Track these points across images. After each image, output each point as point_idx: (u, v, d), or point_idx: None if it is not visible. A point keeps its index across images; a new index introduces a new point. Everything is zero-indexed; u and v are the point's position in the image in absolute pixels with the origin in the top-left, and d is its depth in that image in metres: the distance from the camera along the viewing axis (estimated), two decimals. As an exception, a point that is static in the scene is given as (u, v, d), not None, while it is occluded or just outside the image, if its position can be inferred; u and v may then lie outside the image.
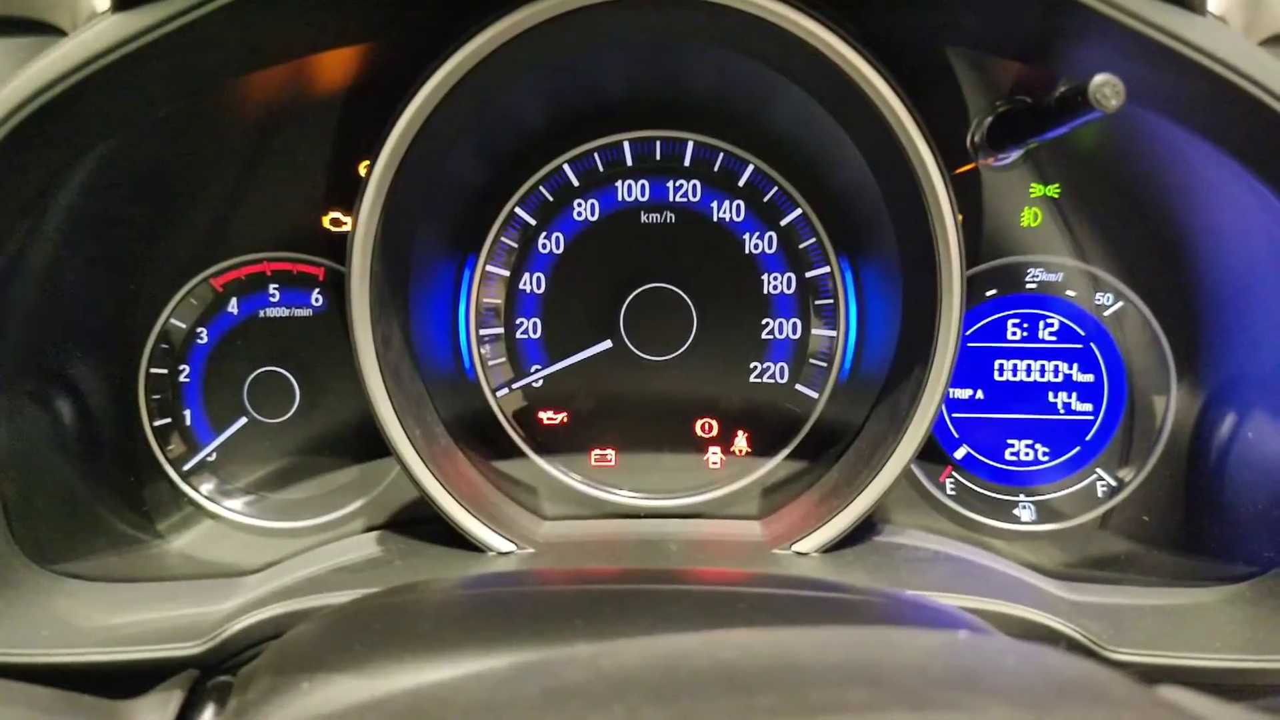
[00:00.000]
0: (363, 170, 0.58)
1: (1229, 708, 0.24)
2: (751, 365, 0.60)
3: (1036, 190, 0.59)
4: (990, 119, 0.50)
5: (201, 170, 0.55)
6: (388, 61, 0.53)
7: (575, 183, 0.59)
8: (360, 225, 0.49)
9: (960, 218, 0.57)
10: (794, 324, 0.60)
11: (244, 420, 0.59)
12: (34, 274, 0.48)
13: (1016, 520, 0.62)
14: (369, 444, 0.60)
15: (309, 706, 0.31)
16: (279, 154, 0.56)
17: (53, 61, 0.39)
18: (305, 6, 0.42)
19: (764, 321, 0.60)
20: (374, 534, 0.56)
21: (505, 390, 0.60)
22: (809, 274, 0.60)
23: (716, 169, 0.59)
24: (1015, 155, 0.52)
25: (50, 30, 0.46)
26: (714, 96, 0.57)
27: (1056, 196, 0.59)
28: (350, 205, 0.58)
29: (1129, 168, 0.55)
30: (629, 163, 0.59)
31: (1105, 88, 0.37)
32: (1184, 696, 0.25)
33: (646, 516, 0.60)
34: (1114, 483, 0.61)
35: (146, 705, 0.35)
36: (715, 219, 0.60)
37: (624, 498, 0.60)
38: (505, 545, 0.51)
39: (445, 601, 0.38)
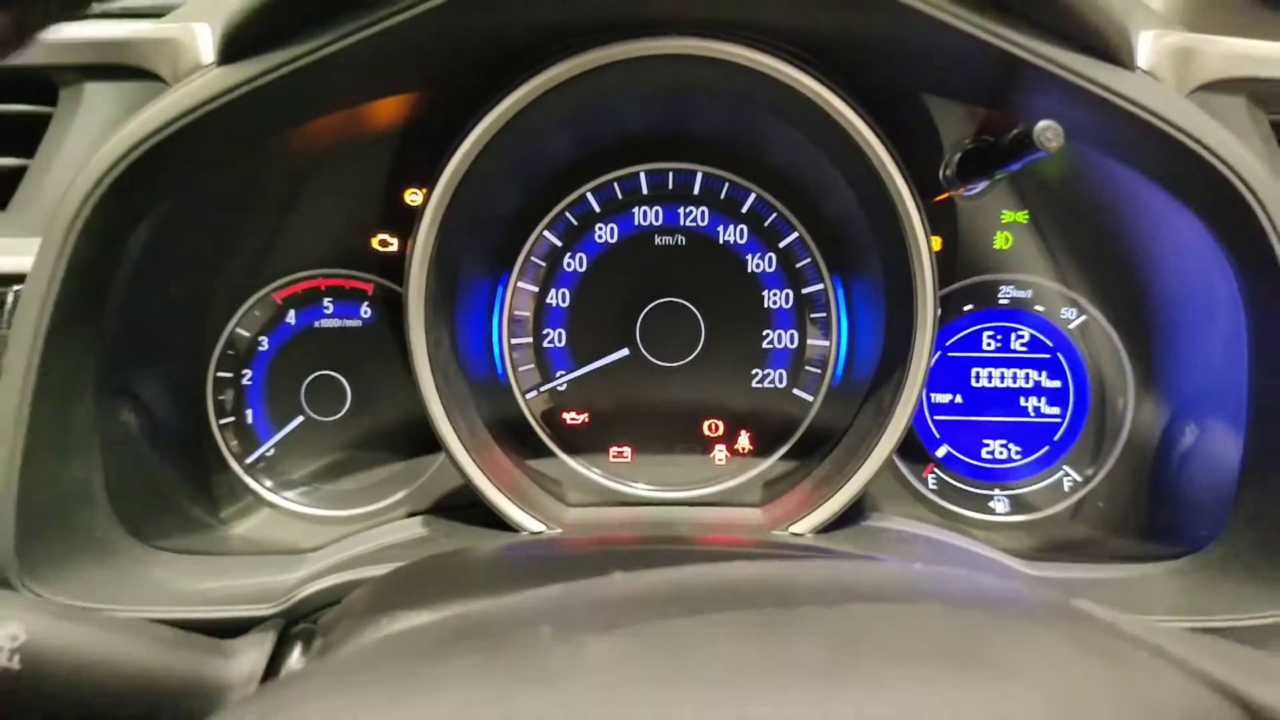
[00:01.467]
0: (408, 198, 0.65)
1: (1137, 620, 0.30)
2: (753, 371, 0.67)
3: (1008, 216, 0.66)
4: (959, 155, 0.57)
5: (265, 199, 0.62)
6: (432, 104, 0.61)
7: (597, 209, 0.66)
8: (418, 248, 0.56)
9: (939, 241, 0.64)
10: (791, 335, 0.67)
11: (301, 419, 0.66)
12: (123, 291, 0.55)
13: (992, 512, 0.68)
14: (412, 441, 0.67)
15: (385, 636, 0.38)
16: (334, 183, 0.63)
17: (163, 108, 0.46)
18: (376, 67, 0.49)
19: (764, 333, 0.67)
20: (418, 518, 0.63)
21: (534, 393, 0.67)
22: (805, 290, 0.67)
23: (722, 197, 0.66)
24: (981, 186, 0.59)
25: (150, 77, 0.53)
26: (720, 134, 0.64)
27: (1025, 222, 0.66)
28: (395, 229, 0.66)
29: (1089, 197, 0.62)
30: (644, 191, 0.66)
31: (1047, 132, 0.44)
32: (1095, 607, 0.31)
33: (659, 505, 0.67)
34: (1079, 478, 0.67)
35: (246, 644, 0.41)
36: (721, 241, 0.67)
37: (639, 490, 0.67)
38: (537, 525, 0.58)
39: (494, 557, 0.44)
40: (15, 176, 0.52)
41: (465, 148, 0.55)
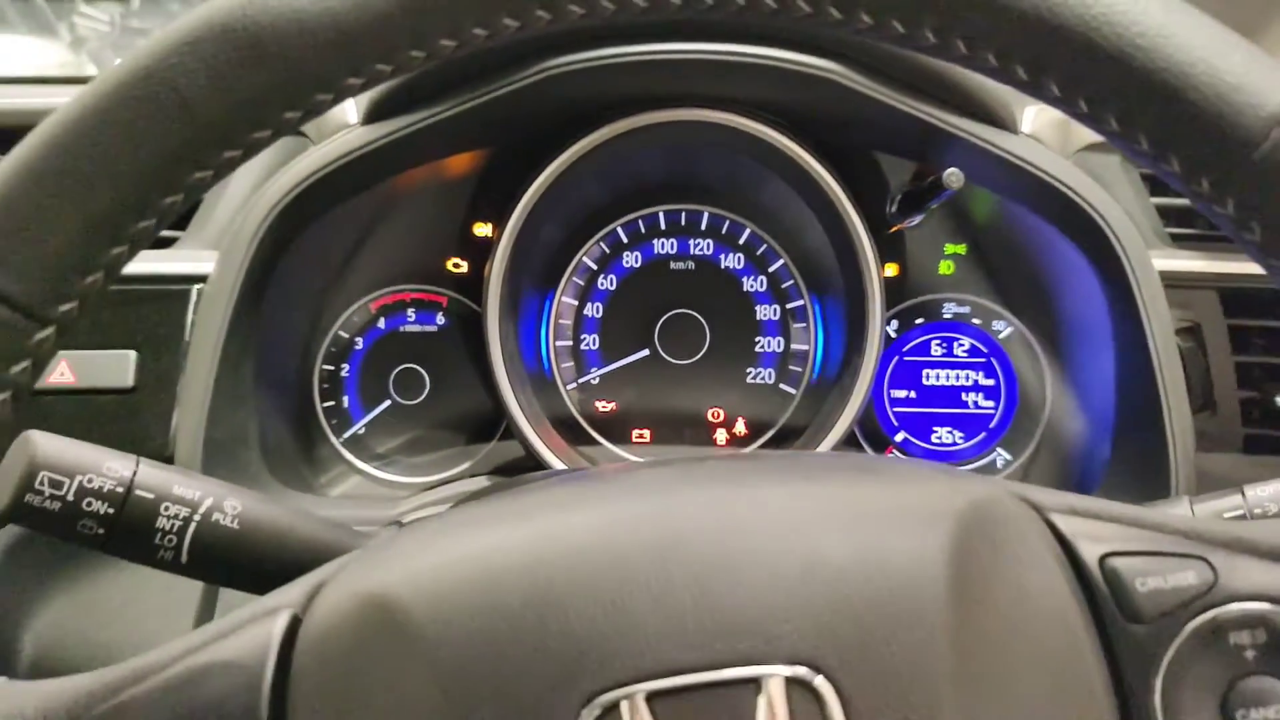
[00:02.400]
0: (477, 230, 0.82)
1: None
2: (747, 370, 0.84)
3: (949, 249, 0.83)
4: (900, 196, 0.75)
5: (368, 229, 0.80)
6: (494, 158, 0.78)
7: (625, 240, 0.83)
8: (494, 272, 0.73)
9: (896, 268, 0.81)
10: (778, 340, 0.84)
11: (389, 402, 0.83)
12: (269, 296, 0.73)
13: (940, 487, 0.84)
14: (479, 423, 0.83)
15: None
16: (419, 217, 0.80)
17: (323, 154, 0.64)
18: (470, 127, 0.67)
19: (756, 339, 0.84)
20: (483, 477, 0.79)
21: (573, 384, 0.84)
22: (789, 305, 0.83)
23: (723, 231, 0.83)
24: (919, 219, 0.75)
25: (299, 134, 0.71)
26: (722, 182, 0.81)
27: (964, 253, 0.82)
28: (465, 255, 0.83)
29: (1009, 233, 0.78)
30: (662, 227, 0.83)
31: (951, 177, 0.62)
32: None
33: None
34: (1009, 458, 0.83)
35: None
36: (722, 266, 0.84)
37: (657, 463, 0.84)
38: (579, 481, 0.75)
39: (545, 480, 0.60)
40: (192, 209, 0.70)
41: (529, 195, 0.73)
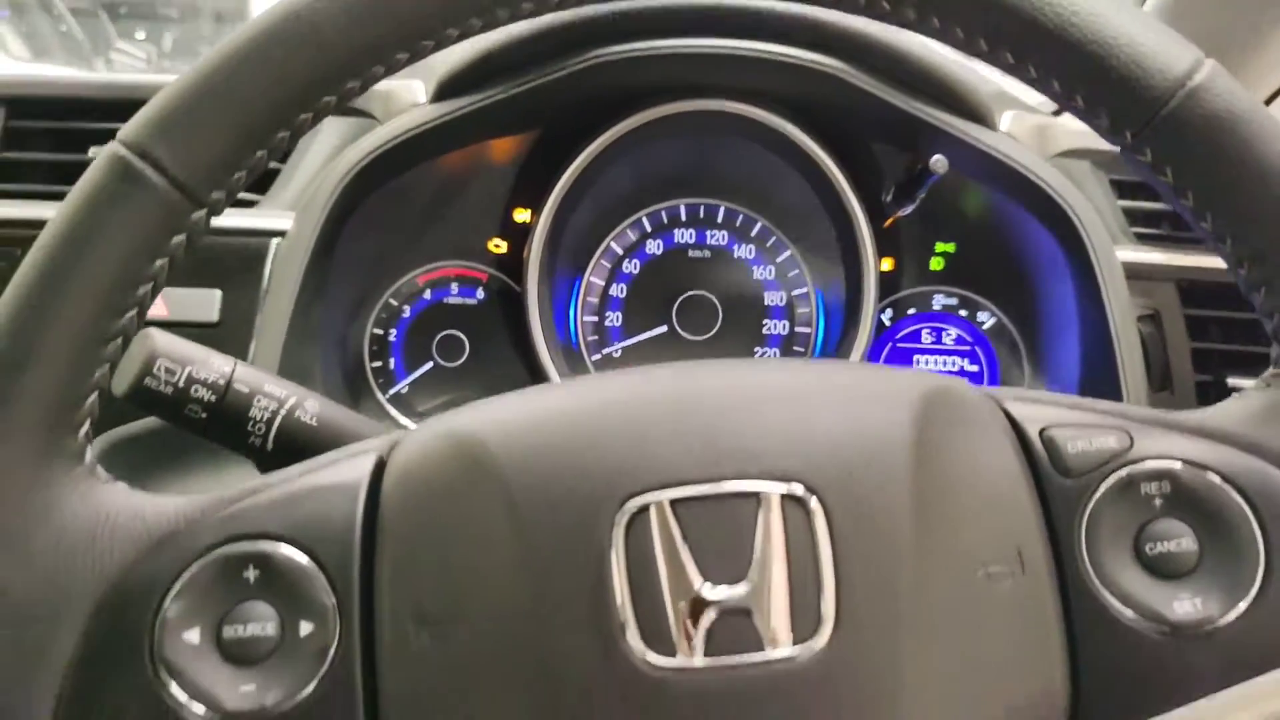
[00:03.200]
0: (516, 216, 0.92)
1: None
2: (754, 348, 0.92)
3: (940, 247, 0.92)
4: (894, 186, 0.84)
5: (418, 207, 0.90)
6: (533, 147, 0.88)
7: (649, 229, 0.92)
8: (533, 253, 0.83)
9: (892, 262, 0.90)
10: (784, 324, 0.92)
11: (430, 364, 0.92)
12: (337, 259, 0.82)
13: (928, 462, 0.92)
14: (513, 385, 0.90)
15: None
16: (464, 201, 0.90)
17: (391, 127, 0.73)
18: (523, 108, 0.77)
19: (764, 321, 0.92)
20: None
21: (597, 356, 0.93)
22: (794, 292, 0.92)
23: (738, 224, 0.92)
24: (911, 206, 0.83)
25: (367, 115, 0.81)
26: (740, 177, 0.91)
27: (953, 251, 0.92)
28: (506, 236, 0.92)
29: (996, 235, 0.88)
30: (683, 218, 0.92)
31: (937, 163, 0.71)
32: None
33: None
34: (991, 437, 0.91)
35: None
36: (736, 256, 0.92)
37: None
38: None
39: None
40: (272, 176, 0.79)
41: (564, 180, 0.82)
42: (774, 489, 0.36)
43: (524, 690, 0.35)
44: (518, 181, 0.89)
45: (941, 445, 0.39)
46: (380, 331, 0.91)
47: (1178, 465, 0.39)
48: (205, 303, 0.72)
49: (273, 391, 0.55)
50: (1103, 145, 0.84)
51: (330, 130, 0.80)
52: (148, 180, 0.39)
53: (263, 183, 0.78)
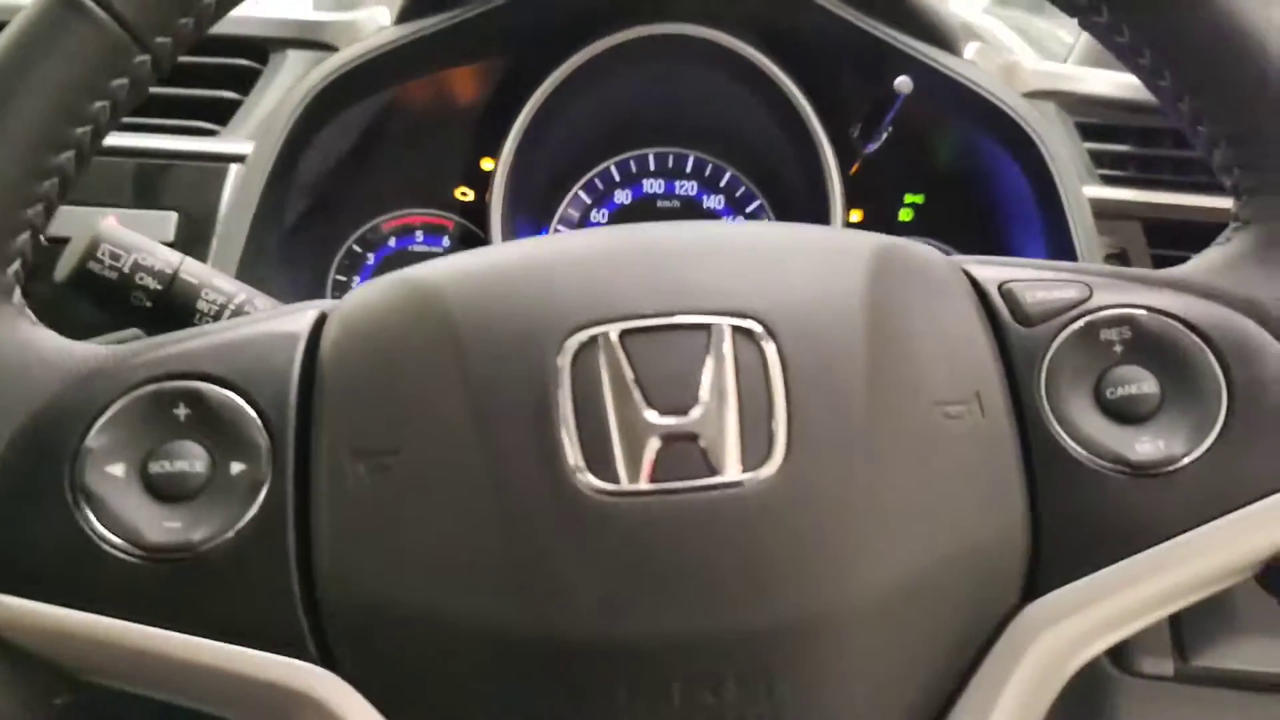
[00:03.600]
0: (484, 165, 0.91)
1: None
2: (725, 298, 0.92)
3: (909, 199, 0.92)
4: (861, 122, 0.84)
5: (381, 154, 0.88)
6: (498, 86, 0.87)
7: (617, 178, 0.92)
8: (494, 197, 0.82)
9: (861, 213, 0.90)
10: (753, 273, 0.92)
11: (394, 310, 0.90)
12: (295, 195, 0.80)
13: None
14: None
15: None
16: (429, 148, 0.89)
17: (350, 51, 0.73)
18: (485, 30, 0.76)
19: (734, 270, 0.92)
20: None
21: (563, 304, 0.92)
22: (763, 242, 0.92)
23: (706, 174, 0.92)
24: (880, 139, 0.80)
25: (325, 48, 0.80)
26: (710, 122, 0.90)
27: (921, 202, 0.91)
28: (472, 185, 0.91)
29: (963, 182, 0.88)
30: (652, 168, 0.92)
31: (900, 84, 0.71)
32: None
33: None
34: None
35: None
36: (705, 206, 0.92)
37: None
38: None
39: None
40: (233, 107, 0.78)
41: (523, 116, 0.81)
42: (725, 321, 0.36)
43: (463, 519, 0.34)
44: (482, 128, 0.88)
45: (898, 290, 0.38)
46: (344, 278, 0.90)
47: (1137, 311, 0.39)
48: (160, 225, 0.70)
49: (222, 286, 0.54)
50: (1068, 87, 0.85)
51: (293, 64, 0.79)
52: (89, 10, 0.38)
53: (223, 114, 0.77)
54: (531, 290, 0.37)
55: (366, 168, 0.87)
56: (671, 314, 0.36)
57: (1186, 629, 0.70)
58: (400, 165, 0.89)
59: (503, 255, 0.39)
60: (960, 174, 0.87)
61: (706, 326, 0.35)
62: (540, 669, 0.33)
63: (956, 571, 0.35)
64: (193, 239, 0.70)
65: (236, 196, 0.71)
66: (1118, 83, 0.82)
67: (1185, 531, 0.36)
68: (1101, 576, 0.36)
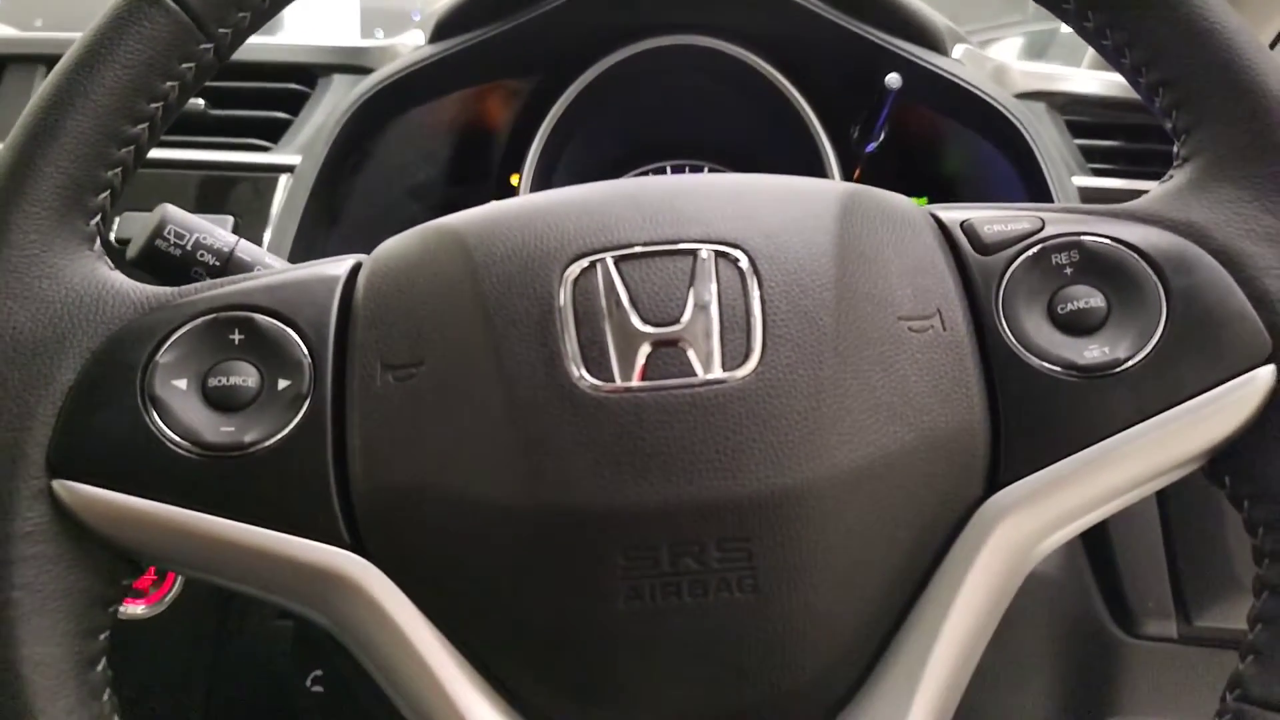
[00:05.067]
0: (514, 181, 0.97)
1: None
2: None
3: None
4: (859, 124, 0.89)
5: (416, 170, 0.95)
6: (519, 109, 0.94)
7: (635, 190, 0.98)
8: None
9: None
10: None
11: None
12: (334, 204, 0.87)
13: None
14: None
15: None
16: (465, 168, 0.96)
17: (388, 68, 0.80)
18: (510, 51, 0.83)
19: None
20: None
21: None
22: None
23: (721, 183, 0.98)
24: (879, 138, 0.85)
25: (366, 71, 0.88)
26: (722, 140, 0.96)
27: (924, 204, 0.95)
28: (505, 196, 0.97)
29: (963, 186, 0.92)
30: (669, 181, 0.98)
31: (891, 80, 0.76)
32: None
33: None
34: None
35: None
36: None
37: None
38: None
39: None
40: (285, 126, 0.86)
41: (540, 135, 0.88)
42: (708, 247, 0.40)
43: (477, 417, 0.39)
44: (511, 145, 0.95)
45: (865, 223, 0.43)
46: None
47: (1085, 237, 0.43)
48: (220, 226, 0.77)
49: (272, 263, 0.60)
50: (1057, 87, 0.90)
51: (338, 87, 0.87)
52: (165, 3, 0.44)
53: (275, 133, 0.84)
54: (538, 226, 0.42)
55: (415, 181, 0.94)
56: (661, 242, 0.41)
57: (1189, 591, 0.72)
58: (439, 184, 0.96)
59: (514, 202, 0.45)
60: (960, 177, 0.92)
61: (692, 252, 0.40)
62: (545, 539, 0.37)
63: (920, 460, 0.39)
64: (248, 240, 0.77)
65: (285, 202, 0.78)
66: (1106, 82, 0.87)
67: (1131, 427, 0.40)
68: (1056, 469, 0.40)
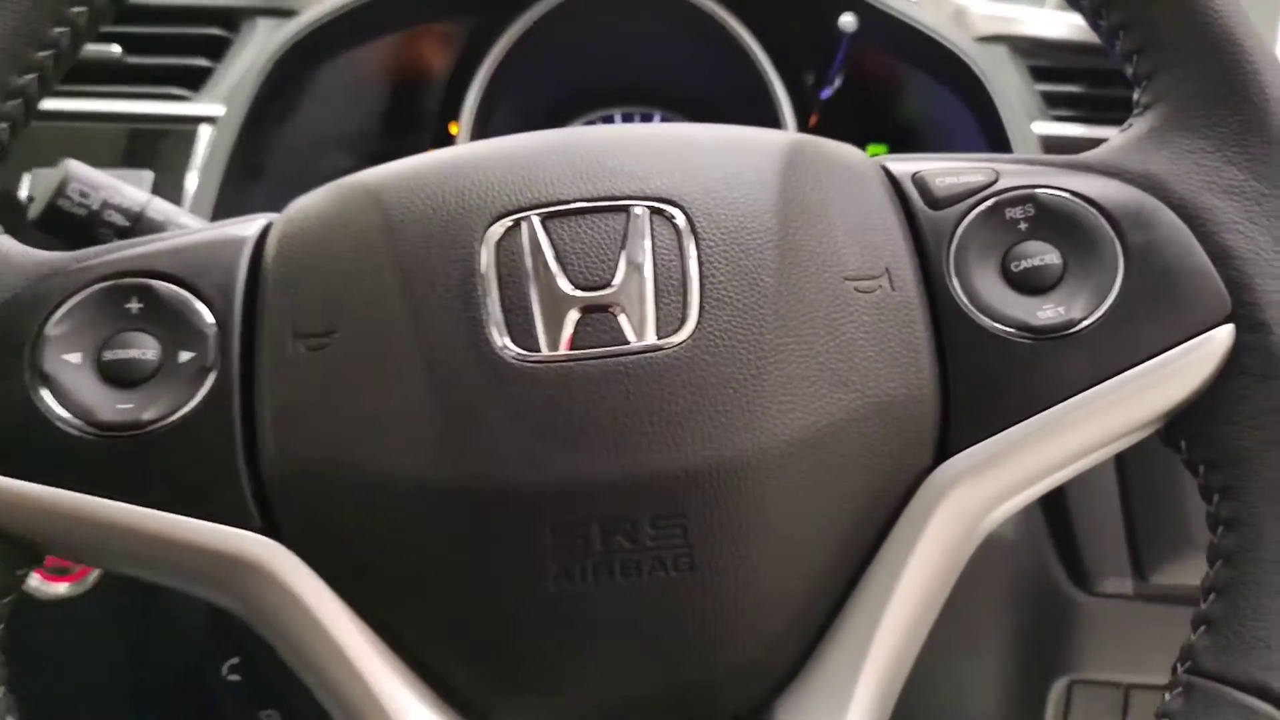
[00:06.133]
0: (452, 129, 0.93)
1: None
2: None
3: (871, 149, 0.94)
4: (815, 70, 0.86)
5: (356, 121, 0.91)
6: (457, 51, 0.89)
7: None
8: None
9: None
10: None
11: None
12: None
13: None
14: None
15: None
16: (402, 115, 0.92)
17: (311, 14, 0.75)
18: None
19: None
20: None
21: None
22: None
23: (673, 132, 0.94)
24: (835, 83, 0.83)
25: (292, 14, 0.82)
26: (673, 85, 0.93)
27: (884, 152, 0.93)
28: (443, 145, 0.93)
29: (923, 133, 0.90)
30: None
31: (845, 23, 0.73)
32: None
33: None
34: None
35: None
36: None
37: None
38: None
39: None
40: (206, 74, 0.81)
41: (479, 81, 0.84)
42: (642, 203, 0.37)
43: (394, 387, 0.36)
44: (449, 91, 0.90)
45: (811, 177, 0.40)
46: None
47: (1040, 190, 0.40)
48: (136, 183, 0.72)
49: (187, 223, 0.56)
50: (1019, 30, 0.87)
51: (262, 32, 0.82)
52: None
53: (196, 81, 0.79)
54: (459, 181, 0.39)
55: (347, 132, 0.90)
56: (591, 199, 0.38)
57: (1144, 548, 0.71)
58: (378, 130, 0.91)
59: (434, 155, 0.41)
60: (921, 124, 0.89)
61: (624, 208, 0.38)
62: (470, 518, 0.35)
63: (867, 428, 0.37)
64: (166, 195, 0.72)
65: (208, 156, 0.74)
66: (1071, 25, 0.84)
67: (1086, 390, 0.38)
68: (1008, 436, 0.38)
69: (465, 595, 0.36)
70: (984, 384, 0.39)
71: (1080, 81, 0.83)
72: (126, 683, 0.65)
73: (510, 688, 0.37)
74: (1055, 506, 0.72)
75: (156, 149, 0.74)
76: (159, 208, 0.55)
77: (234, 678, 0.57)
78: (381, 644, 0.37)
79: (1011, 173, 0.42)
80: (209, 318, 0.38)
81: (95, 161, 0.75)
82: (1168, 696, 0.36)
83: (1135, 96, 0.44)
